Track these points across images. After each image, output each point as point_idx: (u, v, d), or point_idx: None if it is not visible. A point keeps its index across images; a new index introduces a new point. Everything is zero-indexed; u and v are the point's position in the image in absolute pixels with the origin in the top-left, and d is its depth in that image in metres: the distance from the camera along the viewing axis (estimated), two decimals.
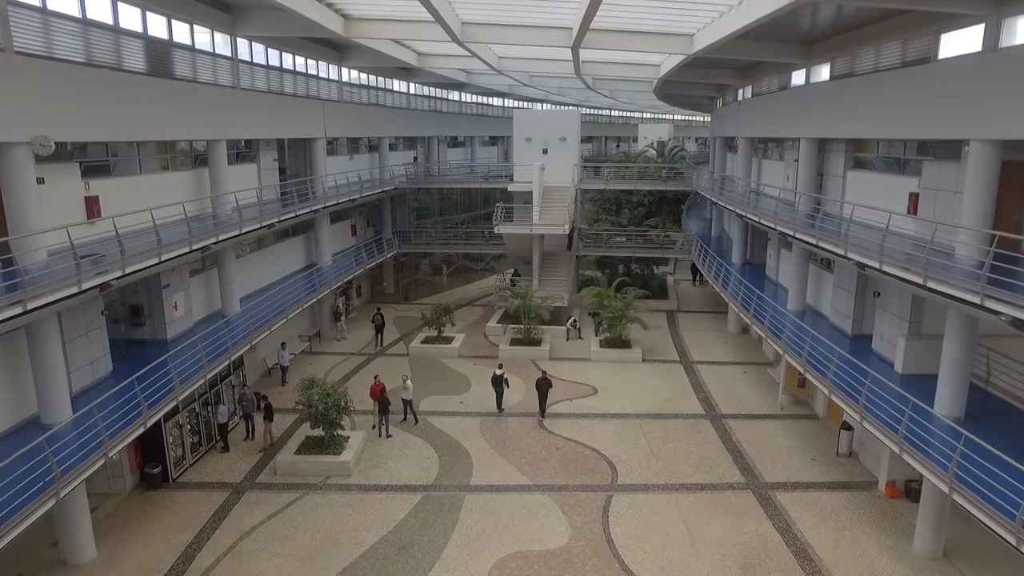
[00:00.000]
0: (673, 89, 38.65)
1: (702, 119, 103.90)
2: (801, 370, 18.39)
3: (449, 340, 30.27)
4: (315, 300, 27.11)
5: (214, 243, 19.00)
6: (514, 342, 30.00)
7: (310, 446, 20.28)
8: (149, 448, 18.75)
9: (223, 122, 22.65)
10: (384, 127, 39.10)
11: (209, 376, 18.97)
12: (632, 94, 55.64)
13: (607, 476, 19.43)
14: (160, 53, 19.84)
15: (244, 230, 20.75)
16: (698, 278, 40.23)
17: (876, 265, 14.57)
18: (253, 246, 26.79)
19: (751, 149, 31.23)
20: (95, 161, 17.82)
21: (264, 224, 22.13)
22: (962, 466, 11.87)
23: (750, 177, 30.85)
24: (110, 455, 13.59)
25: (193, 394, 19.89)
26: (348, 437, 20.81)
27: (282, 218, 23.58)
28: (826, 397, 18.00)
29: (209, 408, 20.99)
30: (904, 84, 16.67)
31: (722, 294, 27.81)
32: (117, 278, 14.77)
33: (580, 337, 31.03)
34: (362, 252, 34.08)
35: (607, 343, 29.65)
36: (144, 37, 18.97)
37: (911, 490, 17.65)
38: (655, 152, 50.66)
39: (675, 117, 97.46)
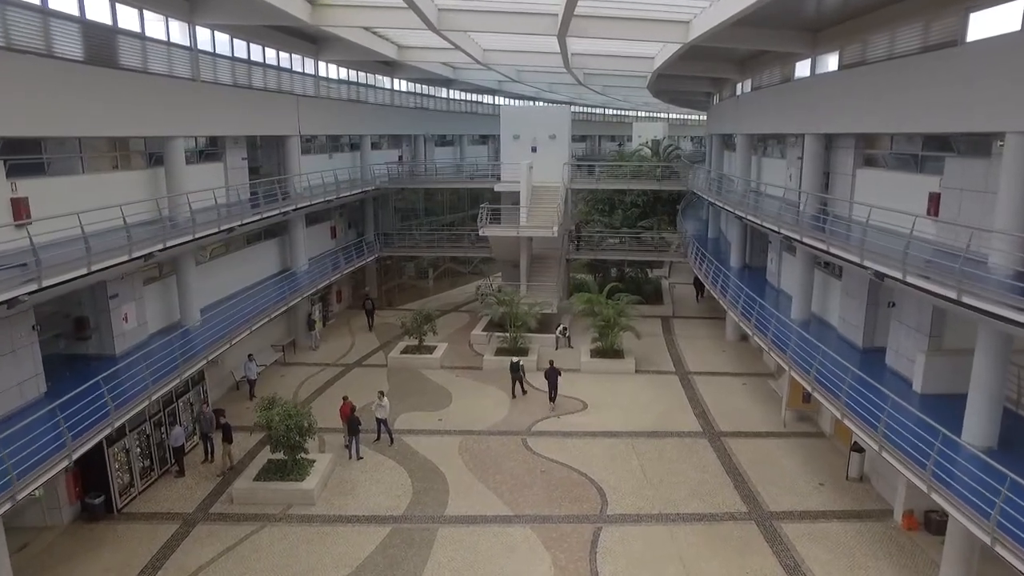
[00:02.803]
0: (668, 84, 36.96)
1: (697, 118, 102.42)
2: (809, 389, 16.67)
3: (431, 350, 28.51)
4: (285, 309, 25.22)
5: (160, 250, 17.14)
6: (500, 352, 28.23)
7: (271, 471, 18.51)
8: (91, 476, 16.96)
9: (180, 118, 20.83)
10: (365, 125, 37.29)
11: (157, 396, 17.14)
12: (626, 91, 53.95)
13: (596, 505, 17.68)
14: (101, 40, 18.01)
15: (198, 235, 18.88)
16: (702, 293, 36.56)
17: (898, 275, 12.84)
18: (219, 250, 25.01)
19: (750, 147, 29.53)
20: (24, 159, 15.95)
21: (222, 228, 20.29)
22: (1005, 512, 10.16)
23: (749, 176, 29.15)
24: (18, 498, 11.76)
25: (144, 414, 18.15)
26: (314, 461, 19.04)
27: (244, 222, 21.74)
28: (831, 412, 16.35)
29: (163, 429, 19.19)
30: (925, 72, 14.97)
31: (722, 302, 26.10)
32: (31, 292, 12.91)
33: (570, 346, 29.26)
34: (340, 256, 32.24)
35: (598, 353, 27.94)
36: (80, 21, 17.13)
37: (931, 522, 15.98)
38: (650, 151, 49.01)
39: (670, 115, 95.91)
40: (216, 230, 20.02)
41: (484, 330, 30.26)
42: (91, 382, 15.01)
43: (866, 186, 19.08)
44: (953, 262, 11.91)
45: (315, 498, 17.83)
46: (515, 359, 24.98)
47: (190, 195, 20.01)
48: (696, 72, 30.88)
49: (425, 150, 47.08)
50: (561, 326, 29.74)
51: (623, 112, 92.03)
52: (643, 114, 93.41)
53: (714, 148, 39.31)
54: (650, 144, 51.02)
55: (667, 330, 32.96)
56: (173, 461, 19.22)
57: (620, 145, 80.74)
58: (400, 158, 43.15)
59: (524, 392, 24.75)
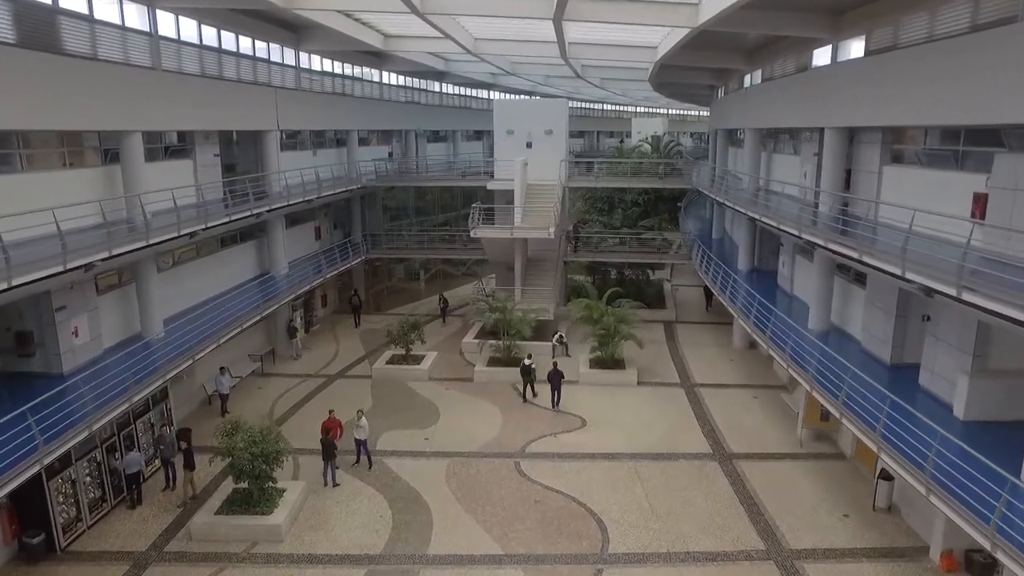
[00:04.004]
0: (670, 77, 35.02)
1: (697, 114, 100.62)
2: (837, 414, 14.78)
3: (418, 360, 26.62)
4: (259, 318, 23.30)
5: (104, 259, 15.22)
6: (492, 362, 26.38)
7: (236, 502, 16.63)
8: (29, 511, 15.08)
9: (136, 110, 18.89)
10: (352, 119, 35.34)
11: (104, 422, 15.25)
12: (625, 84, 51.96)
13: (596, 541, 15.82)
14: (38, 20, 16.07)
15: (152, 241, 16.97)
16: (712, 301, 33.93)
17: (951, 292, 10.97)
18: (188, 254, 23.11)
19: (759, 142, 27.65)
20: None
21: (183, 233, 18.37)
22: None
23: (759, 174, 27.30)
24: None
25: (94, 439, 16.30)
26: (284, 490, 17.17)
27: (208, 225, 19.82)
28: (854, 433, 14.56)
29: (118, 455, 17.30)
30: (975, 55, 13.09)
31: (732, 311, 24.17)
32: None
33: (567, 354, 27.43)
34: (323, 258, 30.30)
35: (598, 363, 26.09)
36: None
37: (973, 562, 14.13)
38: (650, 147, 47.12)
39: (669, 111, 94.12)
40: (175, 235, 18.07)
41: (476, 337, 28.40)
42: (20, 410, 13.13)
43: (894, 185, 17.23)
44: (1007, 272, 10.09)
45: (283, 534, 15.97)
46: (527, 361, 23.99)
47: (150, 195, 18.20)
48: (701, 63, 28.99)
49: (417, 146, 45.15)
50: (558, 333, 27.89)
51: (622, 107, 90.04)
52: (642, 110, 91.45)
53: (718, 144, 37.43)
54: (650, 140, 49.14)
55: (670, 336, 31.12)
56: (128, 491, 17.31)
57: (621, 141, 78.58)
58: (390, 154, 41.25)
59: (535, 394, 23.87)
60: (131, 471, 16.90)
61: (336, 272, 30.93)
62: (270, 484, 16.67)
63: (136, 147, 18.76)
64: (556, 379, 22.99)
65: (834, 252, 15.94)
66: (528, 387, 23.96)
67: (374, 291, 37.53)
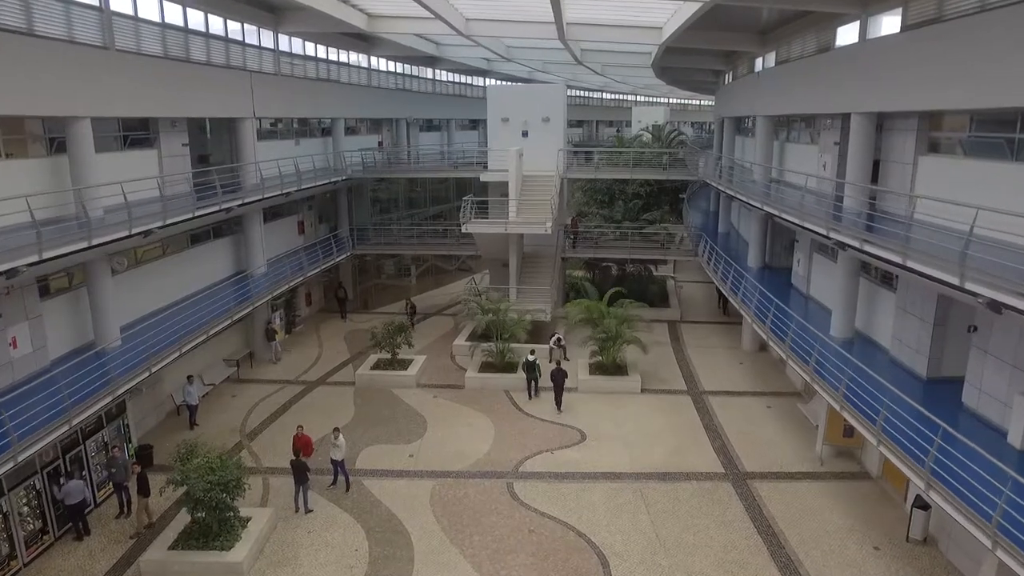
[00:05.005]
0: (675, 61, 33.00)
1: (698, 103, 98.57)
2: (874, 441, 12.87)
3: (405, 365, 24.75)
4: (229, 323, 21.37)
5: (32, 264, 13.28)
6: (485, 367, 24.52)
7: (194, 535, 14.81)
8: None
9: (84, 94, 16.92)
10: (337, 107, 33.32)
11: (36, 449, 13.37)
12: (626, 71, 49.87)
13: None
14: None
15: (95, 242, 15.03)
16: (726, 304, 31.24)
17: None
18: (153, 253, 21.22)
19: (772, 130, 25.69)
20: None
21: (135, 232, 16.42)
22: None
23: (771, 164, 25.39)
24: None
25: (33, 464, 14.49)
26: (248, 519, 15.37)
27: (166, 222, 17.87)
28: (881, 451, 12.77)
29: (63, 480, 15.42)
30: None
31: (745, 314, 22.28)
32: None
33: (566, 358, 25.57)
34: (304, 255, 28.34)
35: (598, 368, 24.24)
36: None
37: None
38: (651, 136, 45.08)
39: (670, 100, 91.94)
40: (125, 234, 16.13)
41: (468, 340, 26.53)
42: None
43: (932, 177, 15.31)
44: None
45: (244, 572, 14.17)
46: (531, 357, 22.81)
47: (111, 188, 16.30)
48: (710, 44, 27.03)
49: (408, 135, 43.11)
50: (555, 336, 26.02)
51: (622, 96, 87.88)
52: (642, 98, 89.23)
53: (725, 133, 35.48)
54: (651, 129, 47.07)
55: (675, 337, 29.29)
56: (72, 523, 15.45)
57: (618, 131, 76.31)
58: (380, 144, 39.25)
59: (537, 394, 22.88)
60: (72, 502, 14.98)
61: (319, 270, 28.96)
62: (231, 514, 14.87)
63: (84, 135, 16.79)
64: (559, 379, 21.86)
65: (871, 256, 14.01)
66: (532, 384, 22.82)
67: (362, 288, 35.62)
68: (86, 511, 15.65)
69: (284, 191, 25.11)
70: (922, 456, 11.25)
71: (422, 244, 35.20)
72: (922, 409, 11.88)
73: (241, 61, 25.22)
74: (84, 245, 14.72)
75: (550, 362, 24.66)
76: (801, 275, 23.24)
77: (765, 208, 20.35)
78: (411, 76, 43.47)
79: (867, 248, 13.79)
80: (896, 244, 12.65)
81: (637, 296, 27.31)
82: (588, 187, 38.05)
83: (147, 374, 16.74)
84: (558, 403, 21.97)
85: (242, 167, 24.46)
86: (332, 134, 33.21)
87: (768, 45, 25.25)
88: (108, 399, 15.22)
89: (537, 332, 26.34)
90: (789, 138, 25.27)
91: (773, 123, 25.61)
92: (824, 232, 15.68)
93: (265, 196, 23.81)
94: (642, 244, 32.86)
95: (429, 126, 48.44)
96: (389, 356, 24.75)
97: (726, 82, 36.31)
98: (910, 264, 12.04)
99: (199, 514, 14.49)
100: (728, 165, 29.75)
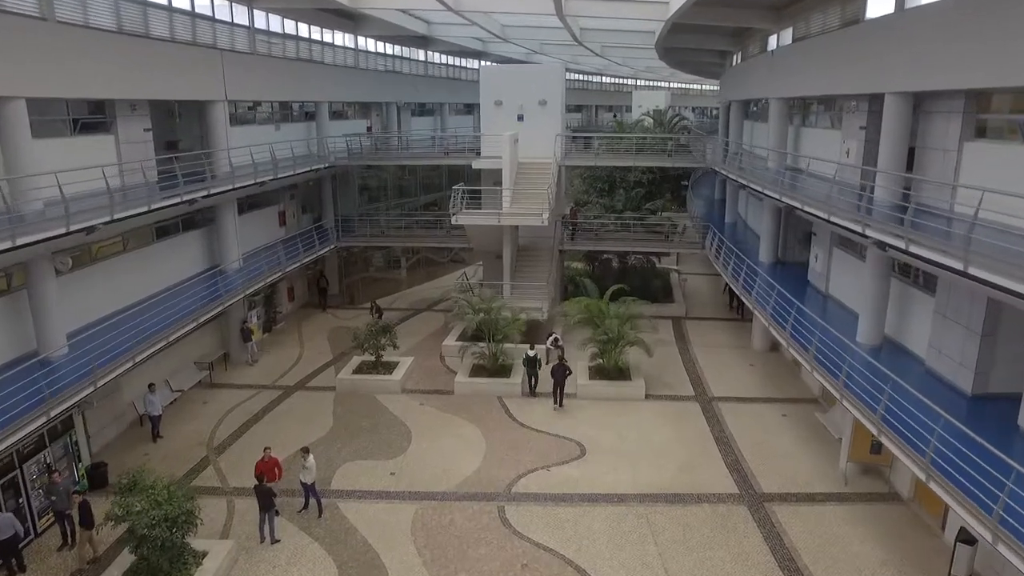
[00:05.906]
0: (680, 41, 30.88)
1: (699, 87, 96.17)
2: (923, 476, 11.01)
3: (390, 368, 22.91)
4: (195, 325, 19.46)
5: None
6: (476, 371, 22.67)
7: (141, 573, 13.02)
8: None
9: (15, 71, 14.90)
10: (320, 90, 31.26)
11: None
12: (626, 52, 47.73)
13: None
14: None
15: (19, 242, 13.08)
16: (738, 307, 29.46)
17: None
18: (113, 248, 19.33)
19: (786, 114, 23.72)
20: None
21: (74, 229, 14.48)
22: None
23: (786, 150, 23.45)
24: None
25: None
26: (205, 553, 13.61)
27: (114, 218, 15.90)
28: (913, 472, 11.02)
29: None
30: None
31: (760, 316, 20.34)
32: None
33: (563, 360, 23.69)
34: (282, 248, 26.35)
35: (599, 372, 22.42)
36: None
37: None
38: (652, 121, 43.04)
39: (671, 85, 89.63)
40: (63, 231, 14.20)
41: (459, 340, 24.66)
42: None
43: (979, 166, 13.43)
44: None
45: None
46: (531, 352, 21.79)
47: (59, 178, 14.41)
48: (720, 20, 24.92)
49: (399, 120, 41.03)
50: (552, 336, 24.16)
51: (621, 80, 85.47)
52: (643, 82, 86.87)
53: (732, 117, 33.47)
54: (652, 114, 45.03)
55: (680, 336, 27.46)
56: (3, 559, 13.64)
57: (615, 116, 73.94)
58: (369, 129, 37.21)
59: (536, 385, 21.98)
60: (1, 538, 13.18)
61: (300, 264, 27.02)
62: (187, 540, 13.10)
63: (17, 117, 14.84)
64: (560, 375, 20.76)
65: (919, 259, 12.08)
66: (532, 380, 21.89)
67: (348, 281, 33.70)
68: (20, 545, 13.83)
69: (258, 180, 23.12)
70: (986, 500, 9.42)
71: (411, 235, 33.29)
72: (987, 444, 9.99)
73: (211, 39, 23.17)
74: (8, 245, 12.78)
75: (547, 363, 22.80)
76: (819, 272, 21.38)
77: (785, 200, 18.42)
78: (402, 58, 41.32)
79: (913, 249, 11.88)
80: (955, 247, 10.71)
81: (639, 291, 25.49)
82: (587, 175, 36.09)
83: (92, 388, 14.85)
84: (557, 399, 20.91)
85: (212, 154, 22.45)
86: (316, 119, 31.21)
87: (784, 21, 23.21)
88: (43, 418, 13.34)
89: (533, 331, 24.49)
90: (805, 122, 23.32)
91: (787, 106, 23.64)
92: (859, 230, 13.77)
93: (235, 186, 21.83)
94: (644, 235, 30.93)
95: (422, 110, 46.38)
96: (373, 359, 22.90)
97: (734, 63, 34.24)
98: (973, 271, 10.14)
99: (144, 551, 12.70)
100: (737, 152, 27.74)
